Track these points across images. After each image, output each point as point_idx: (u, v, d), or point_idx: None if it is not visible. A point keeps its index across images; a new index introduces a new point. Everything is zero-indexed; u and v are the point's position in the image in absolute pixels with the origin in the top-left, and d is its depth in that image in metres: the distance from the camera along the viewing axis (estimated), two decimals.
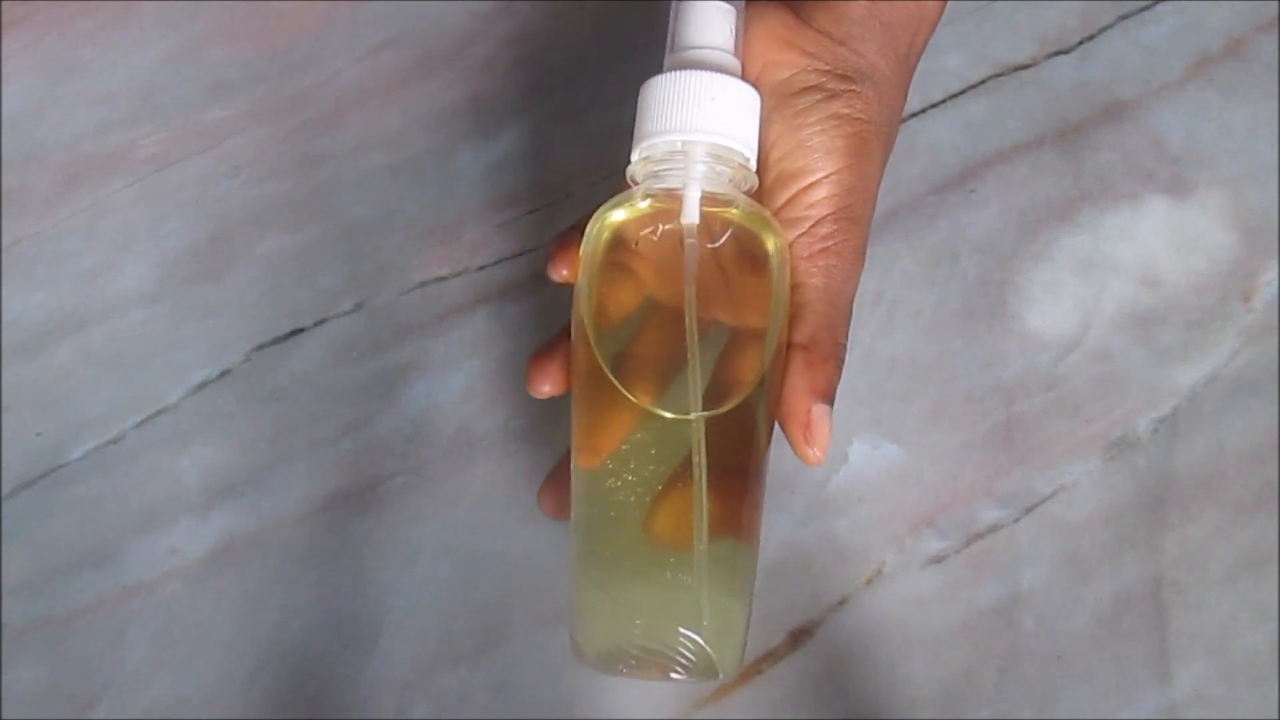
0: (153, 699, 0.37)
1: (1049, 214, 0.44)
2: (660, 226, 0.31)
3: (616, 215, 0.32)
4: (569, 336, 0.33)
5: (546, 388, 0.34)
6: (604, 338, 0.31)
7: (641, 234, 0.32)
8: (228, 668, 0.37)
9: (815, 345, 0.32)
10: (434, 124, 0.47)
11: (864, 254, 0.34)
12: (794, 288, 0.32)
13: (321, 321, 0.43)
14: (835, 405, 0.32)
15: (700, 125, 0.31)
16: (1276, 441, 0.40)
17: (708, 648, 0.34)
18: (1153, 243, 0.44)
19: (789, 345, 0.32)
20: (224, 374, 0.42)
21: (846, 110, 0.33)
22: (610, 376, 0.31)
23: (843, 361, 0.33)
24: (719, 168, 0.32)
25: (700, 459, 0.30)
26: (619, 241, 0.32)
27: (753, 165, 0.33)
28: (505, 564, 0.38)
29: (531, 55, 0.48)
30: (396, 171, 0.46)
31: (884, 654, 0.37)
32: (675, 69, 0.31)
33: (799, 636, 0.37)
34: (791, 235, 0.33)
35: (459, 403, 0.41)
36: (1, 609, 0.38)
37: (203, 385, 0.42)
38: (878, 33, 0.34)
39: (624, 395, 0.30)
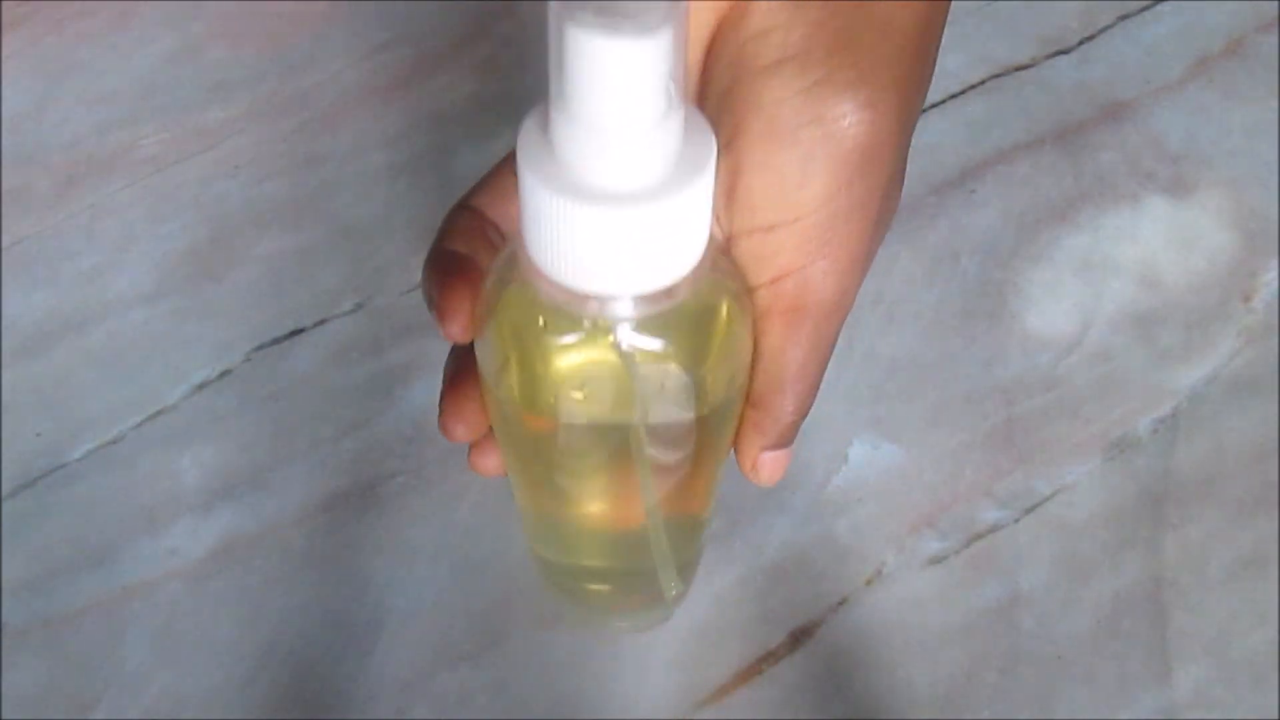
0: (153, 699, 0.37)
1: (1049, 214, 0.44)
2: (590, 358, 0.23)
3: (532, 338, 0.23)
4: (472, 373, 0.26)
5: (461, 430, 0.27)
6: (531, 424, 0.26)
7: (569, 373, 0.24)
8: (228, 668, 0.37)
9: (763, 406, 0.26)
10: (434, 124, 0.47)
11: (853, 288, 0.25)
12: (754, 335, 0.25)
13: (321, 321, 0.43)
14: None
15: (625, 283, 0.20)
16: (1276, 441, 0.40)
17: (670, 607, 0.35)
18: (1153, 243, 0.44)
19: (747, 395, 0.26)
20: (224, 374, 0.42)
21: (842, 111, 0.21)
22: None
23: (803, 415, 0.26)
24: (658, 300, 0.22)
25: (652, 497, 0.27)
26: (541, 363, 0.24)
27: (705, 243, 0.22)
28: (505, 564, 0.38)
29: (531, 55, 0.48)
30: (396, 171, 0.46)
31: (884, 654, 0.37)
32: (569, 190, 0.19)
33: (799, 636, 0.37)
34: (749, 278, 0.24)
35: None
36: (1, 609, 0.38)
37: (203, 385, 0.42)
38: None
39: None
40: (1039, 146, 0.46)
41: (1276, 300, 0.42)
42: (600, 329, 0.21)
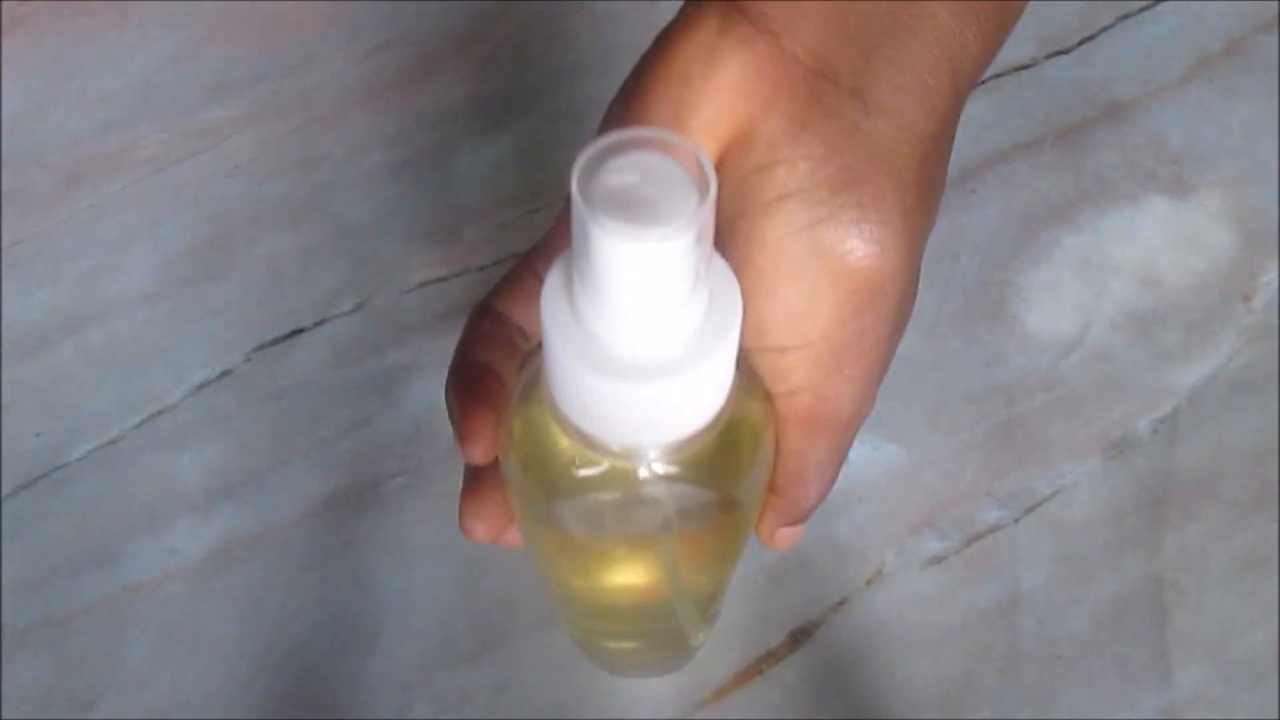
0: (153, 699, 0.37)
1: (1049, 214, 0.44)
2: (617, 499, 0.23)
3: (555, 478, 0.23)
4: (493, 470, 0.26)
5: (481, 530, 0.26)
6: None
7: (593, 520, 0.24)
8: (228, 668, 0.37)
9: (784, 494, 0.26)
10: (434, 124, 0.47)
11: (870, 397, 0.25)
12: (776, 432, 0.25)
13: (321, 321, 0.43)
14: None
15: (652, 438, 0.21)
16: (1276, 441, 0.40)
17: (694, 652, 0.35)
18: (1153, 243, 0.44)
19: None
20: (224, 374, 0.42)
21: (848, 249, 0.21)
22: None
23: (822, 500, 0.26)
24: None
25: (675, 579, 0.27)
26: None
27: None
28: (505, 564, 0.38)
29: (531, 55, 0.48)
30: (396, 171, 0.46)
31: (884, 654, 0.37)
32: (595, 363, 0.19)
33: (799, 637, 0.37)
34: (766, 385, 0.24)
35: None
36: (1, 609, 0.38)
37: (203, 385, 0.42)
38: (917, 58, 0.21)
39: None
40: (1039, 146, 0.46)
41: (1276, 300, 0.42)
42: (627, 458, 0.21)
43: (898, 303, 0.23)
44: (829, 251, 0.21)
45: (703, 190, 0.17)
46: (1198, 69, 0.47)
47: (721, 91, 0.21)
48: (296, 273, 0.44)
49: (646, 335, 0.19)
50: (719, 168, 0.22)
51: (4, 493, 0.40)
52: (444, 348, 0.42)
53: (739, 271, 0.21)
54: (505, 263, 0.44)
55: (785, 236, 0.21)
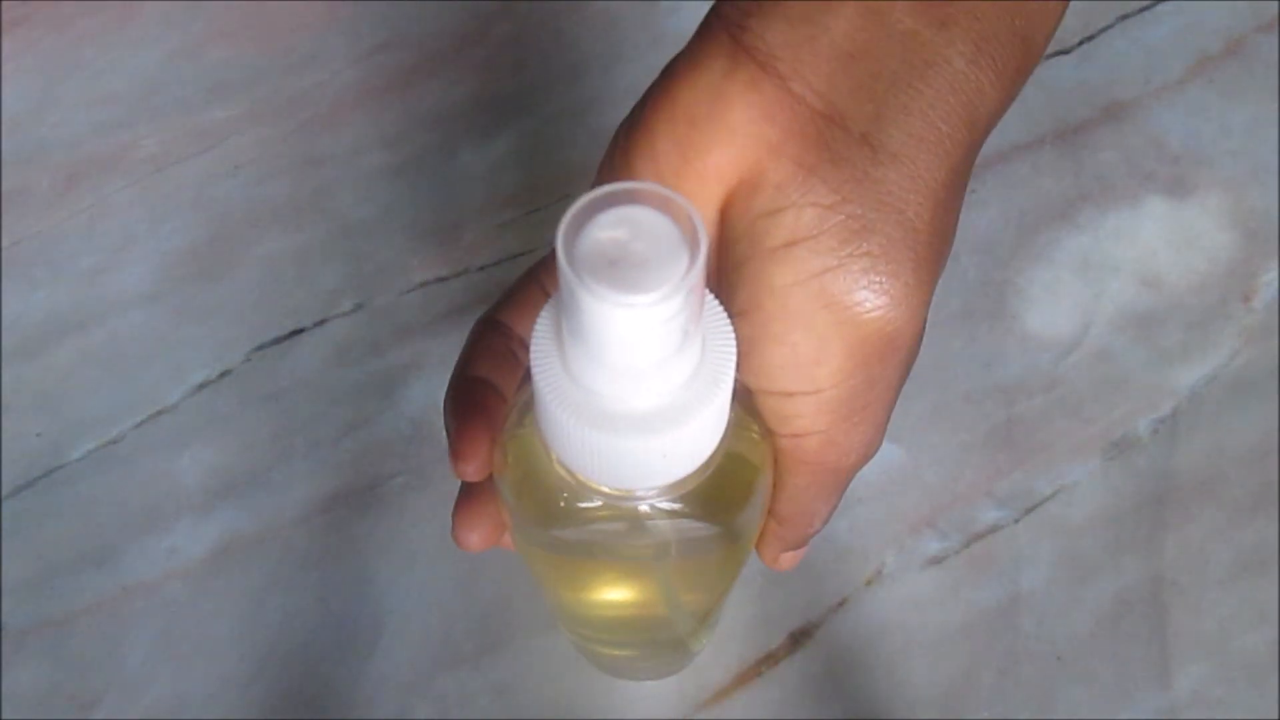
0: (153, 699, 0.37)
1: (1049, 214, 0.44)
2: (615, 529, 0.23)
3: (554, 527, 0.23)
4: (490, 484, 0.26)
5: (475, 539, 0.26)
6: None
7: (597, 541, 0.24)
8: (228, 668, 0.37)
9: (788, 523, 0.26)
10: (434, 124, 0.47)
11: (876, 441, 0.24)
12: (777, 467, 0.24)
13: (321, 321, 0.43)
14: None
15: (646, 482, 0.21)
16: (1276, 441, 0.40)
17: (694, 656, 0.35)
18: (1153, 243, 0.44)
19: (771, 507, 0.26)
20: (224, 374, 0.42)
21: (857, 300, 0.21)
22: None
23: (824, 525, 0.26)
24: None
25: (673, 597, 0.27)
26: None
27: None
28: (506, 564, 0.38)
29: (531, 55, 0.48)
30: (396, 171, 0.46)
31: (884, 655, 0.37)
32: (586, 415, 0.19)
33: (799, 638, 0.37)
34: (771, 426, 0.24)
35: None
36: (1, 609, 0.38)
37: (203, 385, 0.42)
38: (930, 105, 0.21)
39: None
40: (1039, 146, 0.46)
41: (1276, 300, 0.42)
42: (622, 497, 0.21)
43: (907, 354, 0.22)
44: (838, 303, 0.21)
45: (694, 249, 0.17)
46: (1198, 69, 0.47)
47: (729, 135, 0.21)
48: (296, 273, 0.44)
49: (638, 389, 0.18)
50: (726, 209, 0.22)
51: (4, 493, 0.40)
52: (444, 348, 0.42)
53: (747, 314, 0.21)
54: (505, 263, 0.44)
55: (793, 284, 0.21)
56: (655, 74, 0.23)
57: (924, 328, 0.23)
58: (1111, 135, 0.46)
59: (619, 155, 0.23)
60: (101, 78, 0.49)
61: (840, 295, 0.21)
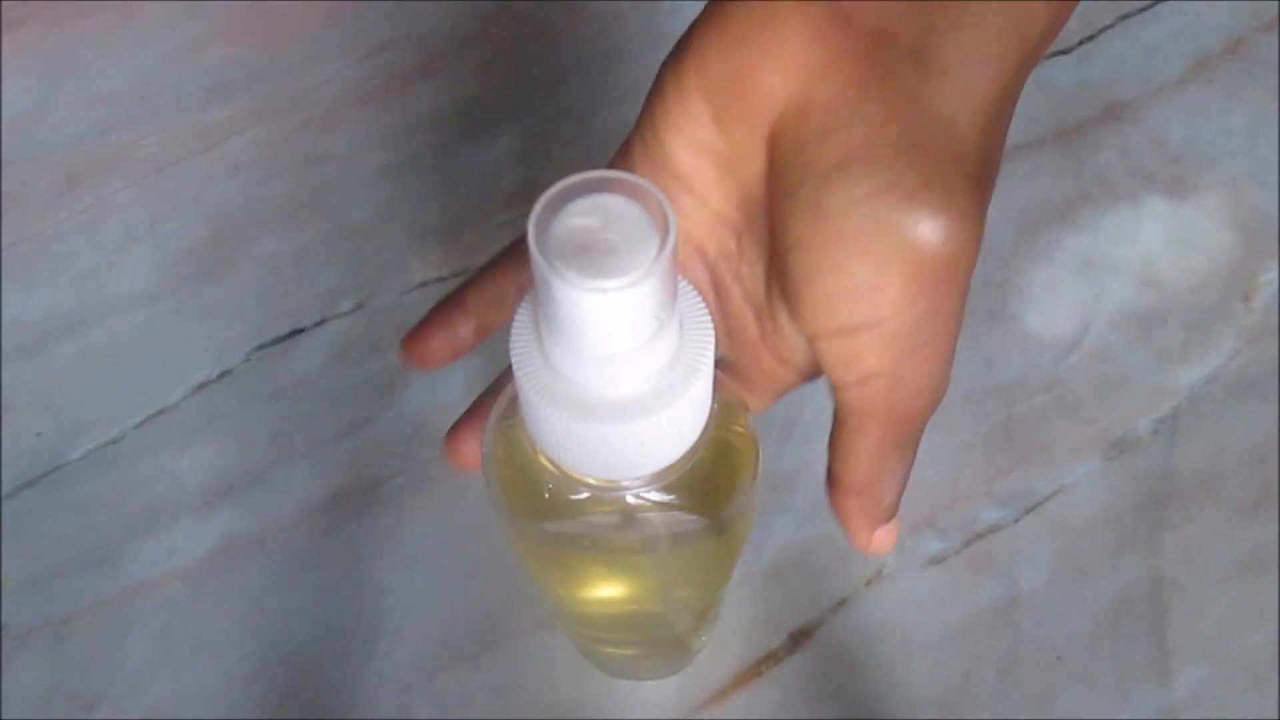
0: (153, 700, 0.37)
1: (1049, 214, 0.44)
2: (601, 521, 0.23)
3: (545, 521, 0.24)
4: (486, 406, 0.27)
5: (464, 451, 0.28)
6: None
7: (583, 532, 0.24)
8: (228, 668, 0.37)
9: (867, 493, 0.25)
10: (434, 124, 0.47)
11: (945, 379, 0.24)
12: (845, 433, 0.24)
13: (321, 321, 0.43)
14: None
15: (628, 473, 0.21)
16: (1276, 441, 0.40)
17: (694, 654, 0.35)
18: (1153, 243, 0.44)
19: (839, 485, 0.25)
20: (224, 374, 0.42)
21: (913, 219, 0.20)
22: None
23: (903, 489, 0.26)
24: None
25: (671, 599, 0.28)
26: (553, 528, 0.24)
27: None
28: (506, 564, 0.38)
29: (531, 55, 0.48)
30: (396, 171, 0.46)
31: (884, 655, 0.37)
32: (565, 405, 0.19)
33: (799, 638, 0.37)
34: (835, 377, 0.23)
35: (459, 403, 0.41)
36: (1, 609, 0.38)
37: (203, 385, 0.42)
38: (982, 22, 0.20)
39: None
40: (1039, 146, 0.46)
41: (1276, 300, 0.42)
42: (608, 488, 0.21)
43: (965, 282, 0.22)
44: (894, 221, 0.20)
45: (663, 235, 0.17)
46: (1198, 69, 0.47)
47: (779, 53, 0.20)
48: (296, 273, 0.44)
49: (615, 376, 0.19)
50: (775, 139, 0.21)
51: (4, 493, 0.40)
52: None
53: (802, 245, 0.21)
54: None
55: (847, 206, 0.20)
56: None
57: (978, 254, 0.22)
58: (1111, 135, 0.46)
59: (667, 83, 0.22)
60: (101, 78, 0.49)
61: (895, 213, 0.20)
